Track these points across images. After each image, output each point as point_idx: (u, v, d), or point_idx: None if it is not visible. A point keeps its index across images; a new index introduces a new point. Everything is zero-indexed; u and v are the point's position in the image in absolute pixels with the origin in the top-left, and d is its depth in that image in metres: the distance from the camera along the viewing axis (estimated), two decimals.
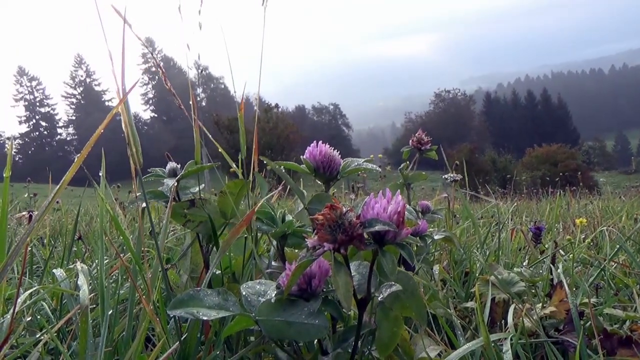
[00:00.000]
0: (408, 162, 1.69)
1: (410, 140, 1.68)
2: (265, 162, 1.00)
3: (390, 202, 0.69)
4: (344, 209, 0.65)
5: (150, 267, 1.09)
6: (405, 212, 0.70)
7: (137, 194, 0.96)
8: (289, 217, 1.03)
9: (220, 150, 1.25)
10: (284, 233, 1.00)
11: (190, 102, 1.07)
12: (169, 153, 1.26)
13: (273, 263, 1.10)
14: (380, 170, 1.09)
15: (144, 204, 1.00)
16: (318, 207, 0.91)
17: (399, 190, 0.72)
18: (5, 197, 0.73)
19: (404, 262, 1.26)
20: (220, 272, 1.19)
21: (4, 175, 0.71)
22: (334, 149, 1.03)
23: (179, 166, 1.16)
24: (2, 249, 0.71)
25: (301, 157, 1.02)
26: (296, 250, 1.11)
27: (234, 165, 1.16)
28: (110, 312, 0.93)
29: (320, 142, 1.01)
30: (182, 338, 0.89)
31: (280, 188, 1.82)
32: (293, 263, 0.71)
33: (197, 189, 1.18)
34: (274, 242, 1.06)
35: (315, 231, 0.66)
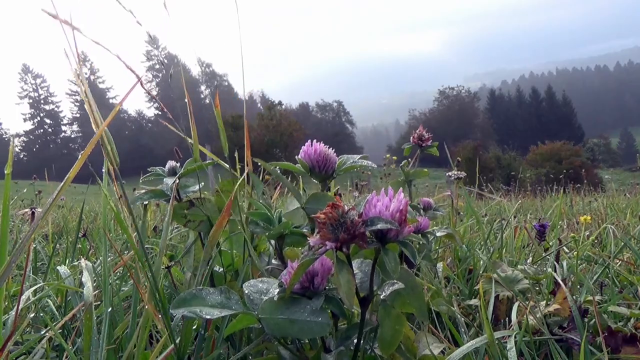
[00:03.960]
0: (409, 159, 1.69)
1: (411, 137, 1.68)
2: (259, 163, 1.00)
3: (393, 200, 0.68)
4: (346, 208, 0.65)
5: (153, 264, 1.09)
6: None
7: (125, 193, 0.96)
8: None
9: (217, 155, 1.25)
10: (280, 234, 1.00)
11: (186, 100, 1.07)
12: (177, 149, 1.26)
13: (273, 261, 1.10)
14: (376, 166, 1.09)
15: (145, 202, 1.01)
16: (315, 206, 0.91)
17: (401, 188, 0.71)
18: (6, 193, 0.73)
19: (406, 259, 1.26)
20: (222, 269, 1.20)
21: (5, 172, 0.71)
22: (330, 147, 1.02)
23: (178, 164, 1.16)
24: (4, 246, 0.71)
25: (296, 157, 1.02)
26: (297, 249, 1.11)
27: (226, 165, 1.16)
28: (110, 310, 0.93)
29: (315, 141, 1.01)
30: (178, 339, 0.89)
31: (280, 185, 1.82)
32: (295, 261, 0.71)
33: (197, 187, 1.18)
34: (272, 242, 1.06)
35: (317, 230, 0.66)
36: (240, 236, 1.15)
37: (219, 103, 1.19)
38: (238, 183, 1.05)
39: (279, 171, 1.00)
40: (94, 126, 0.81)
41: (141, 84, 0.95)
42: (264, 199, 1.16)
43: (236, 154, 1.33)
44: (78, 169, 0.73)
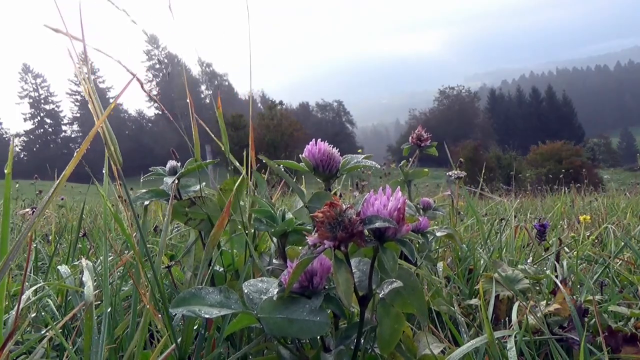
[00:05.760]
0: (408, 159, 1.69)
1: (410, 137, 1.68)
2: (264, 160, 1.00)
3: (390, 198, 0.68)
4: (344, 206, 0.65)
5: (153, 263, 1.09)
6: (406, 209, 0.70)
7: (128, 194, 0.95)
8: (289, 215, 1.02)
9: (223, 149, 1.25)
10: (284, 232, 1.00)
11: (188, 100, 1.07)
12: (173, 150, 1.26)
13: (274, 260, 1.10)
14: (379, 167, 1.09)
15: (146, 202, 1.01)
16: (318, 205, 0.91)
17: (398, 187, 0.72)
18: (7, 192, 0.73)
19: (406, 258, 1.26)
20: (223, 269, 1.20)
21: (5, 171, 0.71)
22: (333, 147, 1.02)
23: (178, 164, 1.16)
24: (5, 244, 0.71)
25: (300, 155, 1.02)
26: (298, 248, 1.11)
27: (237, 163, 1.16)
28: (110, 309, 0.93)
29: (319, 140, 1.01)
30: (180, 339, 0.89)
31: (281, 185, 1.82)
32: (294, 261, 0.71)
33: (198, 186, 1.18)
34: (275, 240, 1.06)
35: (316, 229, 0.66)
36: (241, 236, 1.15)
37: (220, 103, 1.19)
38: (238, 182, 1.05)
39: (282, 169, 1.00)
40: (98, 128, 0.81)
41: (141, 86, 0.95)
42: (266, 197, 1.16)
43: (231, 155, 1.33)
44: (74, 166, 0.72)
